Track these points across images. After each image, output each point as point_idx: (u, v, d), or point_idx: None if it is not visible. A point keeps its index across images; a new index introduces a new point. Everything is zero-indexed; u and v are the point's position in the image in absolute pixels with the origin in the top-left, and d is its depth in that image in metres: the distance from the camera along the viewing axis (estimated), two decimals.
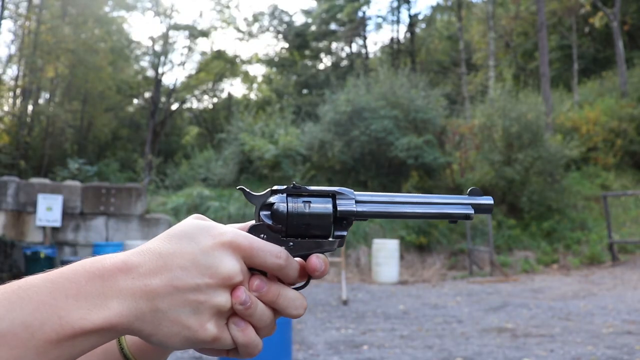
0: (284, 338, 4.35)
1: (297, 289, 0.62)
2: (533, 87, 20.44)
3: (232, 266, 0.54)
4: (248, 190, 0.63)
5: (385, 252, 12.55)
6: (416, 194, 0.67)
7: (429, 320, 7.89)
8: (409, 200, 0.66)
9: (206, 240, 0.54)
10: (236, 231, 0.57)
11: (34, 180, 12.80)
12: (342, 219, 0.64)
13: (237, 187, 0.66)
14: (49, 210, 11.77)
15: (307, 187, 0.63)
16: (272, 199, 0.62)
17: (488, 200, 0.69)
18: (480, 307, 8.91)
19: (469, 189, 0.70)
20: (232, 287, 0.55)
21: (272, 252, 0.57)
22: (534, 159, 15.59)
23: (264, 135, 18.56)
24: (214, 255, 0.54)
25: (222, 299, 0.54)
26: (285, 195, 0.63)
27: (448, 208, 0.67)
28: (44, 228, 11.84)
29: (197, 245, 0.54)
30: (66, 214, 12.10)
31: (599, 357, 5.67)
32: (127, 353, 0.66)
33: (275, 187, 0.63)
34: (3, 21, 22.02)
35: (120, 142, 29.18)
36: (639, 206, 16.96)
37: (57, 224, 11.83)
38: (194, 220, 0.57)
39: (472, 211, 0.68)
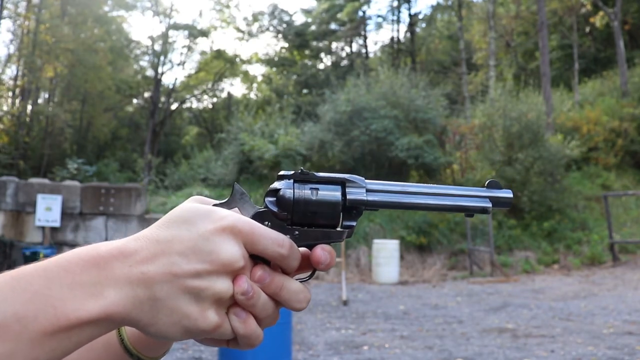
0: (284, 338, 4.32)
1: (301, 280, 0.59)
2: (534, 87, 20.38)
3: (233, 252, 0.51)
4: (243, 190, 0.60)
5: (386, 252, 12.53)
6: (431, 185, 0.63)
7: (430, 321, 7.85)
8: (423, 191, 0.62)
9: (205, 225, 0.51)
10: (237, 215, 0.54)
11: (33, 180, 12.77)
12: (352, 208, 0.60)
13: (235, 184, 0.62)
14: (48, 210, 11.74)
15: (315, 174, 0.59)
16: (278, 185, 0.59)
17: (507, 193, 0.65)
18: (481, 308, 8.88)
19: (487, 181, 0.66)
20: (234, 274, 0.52)
21: (275, 240, 0.54)
22: (534, 159, 15.55)
23: (263, 135, 18.51)
24: (214, 241, 0.51)
25: (224, 285, 0.51)
26: (292, 181, 0.59)
27: (464, 200, 0.63)
28: (43, 228, 11.81)
29: (197, 231, 0.51)
30: (65, 214, 12.07)
31: (599, 357, 5.64)
32: (128, 345, 0.64)
33: (282, 172, 0.60)
34: (2, 21, 21.99)
35: (119, 142, 29.16)
36: None
37: (57, 224, 11.80)
38: (193, 204, 0.54)
39: (489, 205, 0.64)
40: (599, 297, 9.66)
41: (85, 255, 0.49)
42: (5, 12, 22.26)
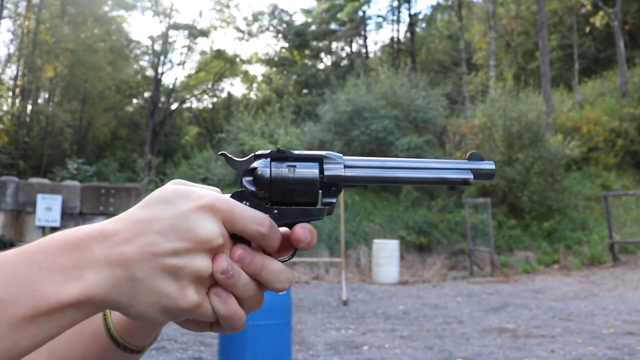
0: (284, 338, 4.31)
1: (283, 261, 0.58)
2: (534, 87, 20.38)
3: (212, 229, 0.51)
4: (230, 155, 0.60)
5: (386, 253, 12.52)
6: (411, 159, 0.63)
7: (430, 321, 7.85)
8: (402, 165, 0.62)
9: (184, 204, 0.51)
10: (217, 194, 0.54)
11: (33, 180, 12.77)
12: (331, 185, 0.60)
13: (219, 153, 0.62)
14: (48, 210, 11.75)
15: (292, 152, 0.59)
16: (255, 164, 0.59)
17: (489, 165, 0.65)
18: (481, 308, 8.88)
19: (468, 153, 0.65)
20: (213, 252, 0.52)
21: (255, 219, 0.54)
22: (534, 159, 15.55)
23: (263, 135, 18.52)
24: (193, 219, 0.51)
25: (203, 263, 0.51)
26: (269, 159, 0.59)
27: (445, 173, 0.63)
28: (43, 228, 11.81)
29: (175, 209, 0.51)
30: (65, 214, 12.07)
31: (599, 357, 5.64)
32: (114, 334, 0.63)
33: (259, 152, 0.60)
34: (2, 20, 22.00)
35: (119, 142, 29.16)
36: None
37: (57, 224, 11.80)
38: (173, 186, 0.54)
39: (471, 176, 0.64)
40: (599, 297, 9.66)
41: (65, 238, 0.48)
42: (5, 12, 22.27)
